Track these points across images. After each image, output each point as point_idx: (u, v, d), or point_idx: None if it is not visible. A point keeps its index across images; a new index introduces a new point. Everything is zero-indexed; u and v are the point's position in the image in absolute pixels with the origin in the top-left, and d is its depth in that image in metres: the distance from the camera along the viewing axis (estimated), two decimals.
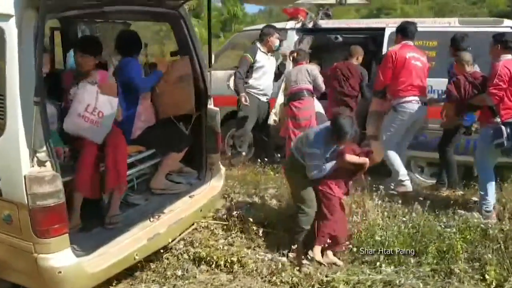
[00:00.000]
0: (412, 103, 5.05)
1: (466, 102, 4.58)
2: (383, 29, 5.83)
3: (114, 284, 3.26)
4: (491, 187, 4.51)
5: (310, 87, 5.79)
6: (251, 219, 4.26)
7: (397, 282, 3.45)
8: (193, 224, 3.86)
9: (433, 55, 5.55)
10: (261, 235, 4.11)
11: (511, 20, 5.51)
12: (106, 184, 3.25)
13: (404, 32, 5.19)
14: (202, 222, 4.30)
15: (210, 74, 4.09)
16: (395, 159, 5.13)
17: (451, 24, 5.66)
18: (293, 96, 5.82)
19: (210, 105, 4.02)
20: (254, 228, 4.22)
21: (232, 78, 5.93)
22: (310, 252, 3.74)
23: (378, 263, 3.72)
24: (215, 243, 3.92)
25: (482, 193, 4.54)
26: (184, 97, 3.94)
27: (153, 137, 3.77)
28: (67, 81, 3.52)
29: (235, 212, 4.31)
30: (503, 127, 4.22)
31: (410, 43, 5.19)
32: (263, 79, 5.97)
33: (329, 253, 3.85)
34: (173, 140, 3.85)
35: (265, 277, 3.56)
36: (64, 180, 3.14)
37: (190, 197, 3.79)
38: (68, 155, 3.26)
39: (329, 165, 3.76)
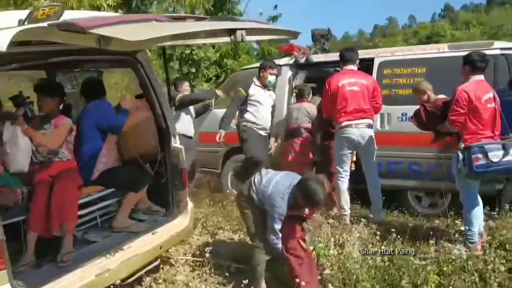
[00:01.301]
0: (347, 128, 5.08)
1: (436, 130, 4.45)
2: (372, 60, 5.82)
3: None
4: (476, 217, 4.27)
5: (309, 125, 6.05)
6: (225, 255, 4.29)
7: None
8: (157, 260, 3.92)
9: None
10: (232, 271, 4.13)
11: (501, 42, 5.32)
12: (51, 222, 3.38)
13: (343, 58, 5.31)
14: (179, 258, 4.40)
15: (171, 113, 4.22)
16: (343, 193, 5.20)
17: (440, 50, 5.54)
18: (292, 133, 6.10)
19: (176, 144, 4.14)
20: (227, 264, 4.26)
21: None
22: None
23: None
24: (182, 279, 3.97)
25: (465, 224, 4.32)
26: (148, 136, 4.08)
27: (110, 177, 3.87)
28: (34, 125, 3.75)
29: (207, 248, 4.36)
30: (459, 153, 4.10)
31: (351, 67, 5.27)
32: (259, 113, 5.89)
33: None
34: (129, 180, 3.93)
35: None
36: (20, 219, 3.41)
37: (152, 233, 3.85)
38: (26, 196, 3.47)
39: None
